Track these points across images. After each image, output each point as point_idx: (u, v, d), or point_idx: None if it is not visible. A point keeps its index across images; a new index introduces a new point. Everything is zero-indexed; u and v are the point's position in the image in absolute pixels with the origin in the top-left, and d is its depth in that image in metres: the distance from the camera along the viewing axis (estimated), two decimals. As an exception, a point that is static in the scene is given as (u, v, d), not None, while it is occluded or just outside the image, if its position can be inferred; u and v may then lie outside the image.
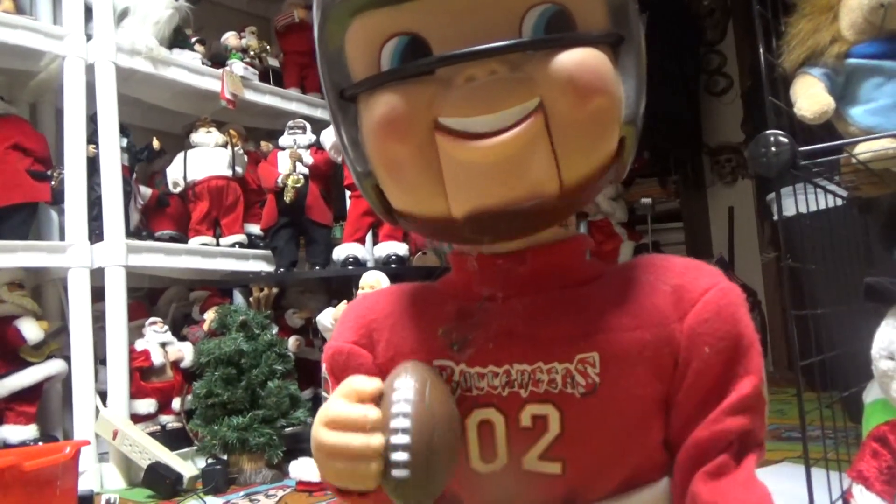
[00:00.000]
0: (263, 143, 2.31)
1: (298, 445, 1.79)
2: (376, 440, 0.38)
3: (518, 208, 0.40)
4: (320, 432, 0.40)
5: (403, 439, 0.37)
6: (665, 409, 0.43)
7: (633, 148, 0.44)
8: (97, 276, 1.81)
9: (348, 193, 2.17)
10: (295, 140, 2.17)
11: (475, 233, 0.41)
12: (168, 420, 1.92)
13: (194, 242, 2.12)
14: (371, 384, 0.40)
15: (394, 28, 0.41)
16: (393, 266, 2.00)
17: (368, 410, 0.39)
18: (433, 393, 0.39)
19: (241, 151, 2.25)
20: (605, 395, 0.41)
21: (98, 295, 1.82)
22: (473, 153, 0.39)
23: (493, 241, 0.42)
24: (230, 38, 2.32)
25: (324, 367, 0.49)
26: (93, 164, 1.87)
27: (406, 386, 0.39)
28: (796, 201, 1.08)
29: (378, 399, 0.40)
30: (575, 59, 0.39)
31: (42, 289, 1.94)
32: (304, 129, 2.21)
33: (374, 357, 0.47)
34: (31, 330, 1.74)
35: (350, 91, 0.43)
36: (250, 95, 2.25)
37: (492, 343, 0.43)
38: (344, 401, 0.40)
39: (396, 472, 0.38)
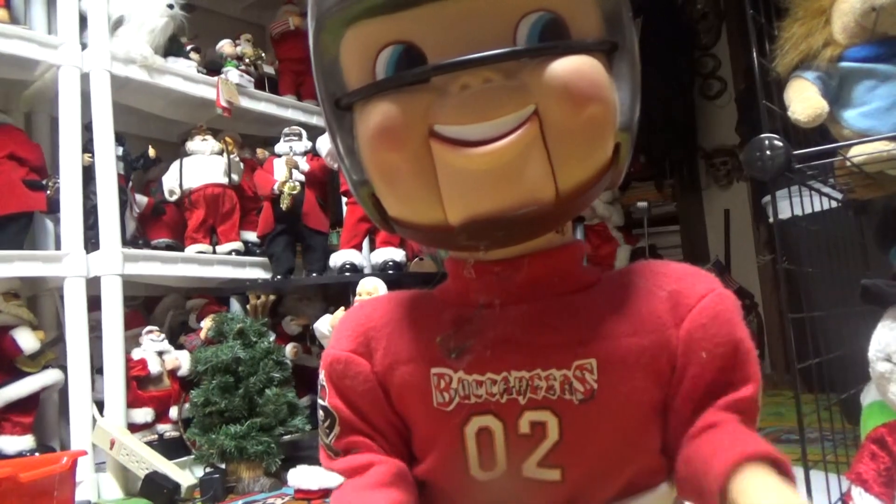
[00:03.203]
0: (259, 151, 2.31)
1: (297, 453, 1.78)
2: None
3: (514, 215, 0.40)
4: None
5: None
6: (663, 415, 0.43)
7: (628, 154, 0.44)
8: (93, 285, 1.81)
9: (344, 200, 2.17)
10: (291, 147, 2.17)
11: (471, 240, 0.41)
12: (165, 429, 1.92)
13: (191, 250, 2.11)
14: None
15: (388, 37, 0.41)
16: (390, 272, 2.00)
17: None
18: None
19: (237, 159, 2.24)
20: (603, 401, 0.41)
21: (94, 304, 1.81)
22: (469, 161, 0.39)
23: (490, 248, 0.42)
24: (225, 46, 2.32)
25: (321, 374, 0.49)
26: (88, 173, 1.86)
27: None
28: (791, 204, 1.08)
29: None
30: (569, 66, 0.39)
31: (38, 298, 1.93)
32: (300, 135, 2.21)
33: (371, 365, 0.47)
34: (27, 340, 1.73)
35: (345, 100, 0.43)
36: (246, 103, 2.25)
37: (490, 350, 0.43)
38: None
39: None
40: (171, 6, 2.02)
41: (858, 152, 0.99)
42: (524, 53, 0.39)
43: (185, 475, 1.68)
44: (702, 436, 0.42)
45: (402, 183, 0.41)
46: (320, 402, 0.49)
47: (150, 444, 1.79)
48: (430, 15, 0.39)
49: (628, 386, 0.42)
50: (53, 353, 1.82)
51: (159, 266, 1.97)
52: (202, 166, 2.14)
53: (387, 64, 0.41)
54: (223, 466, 1.72)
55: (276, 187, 2.05)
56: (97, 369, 1.82)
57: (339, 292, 2.21)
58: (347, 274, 1.99)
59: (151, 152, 2.11)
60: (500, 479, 0.43)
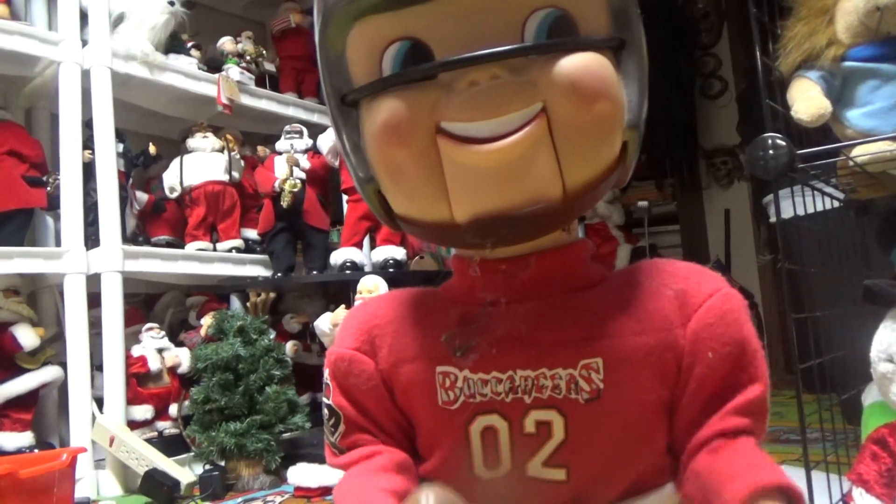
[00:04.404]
0: (260, 148, 2.30)
1: (296, 451, 1.78)
2: None
3: (521, 213, 0.40)
4: None
5: None
6: (669, 414, 0.43)
7: (635, 152, 0.44)
8: (93, 281, 1.80)
9: (345, 198, 2.17)
10: (292, 144, 2.17)
11: (478, 237, 0.41)
12: (165, 426, 1.91)
13: (191, 248, 2.11)
14: None
15: (395, 33, 0.41)
16: (390, 270, 2.00)
17: None
18: None
19: (238, 156, 2.24)
20: (609, 400, 0.41)
21: (94, 301, 1.81)
22: (476, 158, 0.38)
23: (496, 246, 0.42)
24: (226, 43, 2.31)
25: (326, 372, 0.49)
26: (89, 170, 1.86)
27: None
28: (794, 203, 1.08)
29: None
30: (577, 63, 0.38)
31: (38, 295, 1.93)
32: (300, 133, 2.21)
33: (376, 363, 0.47)
34: (27, 336, 1.72)
35: (352, 96, 0.43)
36: (247, 100, 2.25)
37: (495, 349, 0.42)
38: None
39: None
40: (171, 3, 2.02)
41: (861, 152, 0.99)
42: (532, 50, 0.39)
43: (185, 472, 1.67)
44: (714, 453, 0.41)
45: (408, 180, 0.41)
46: (325, 400, 0.49)
47: (149, 441, 1.79)
48: (437, 11, 0.39)
49: (634, 385, 0.41)
50: (53, 349, 1.82)
51: (159, 263, 1.97)
52: (203, 163, 2.14)
53: (393, 60, 0.41)
54: (223, 464, 1.72)
55: (276, 185, 2.05)
56: (97, 366, 1.82)
57: (339, 290, 2.21)
58: (348, 272, 1.99)
59: (152, 149, 2.10)
60: (505, 479, 0.43)
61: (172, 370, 1.96)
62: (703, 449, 0.42)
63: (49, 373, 1.76)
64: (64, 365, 1.77)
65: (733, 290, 0.44)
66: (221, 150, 2.17)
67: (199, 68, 2.15)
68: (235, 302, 2.19)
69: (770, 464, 0.40)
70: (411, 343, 0.46)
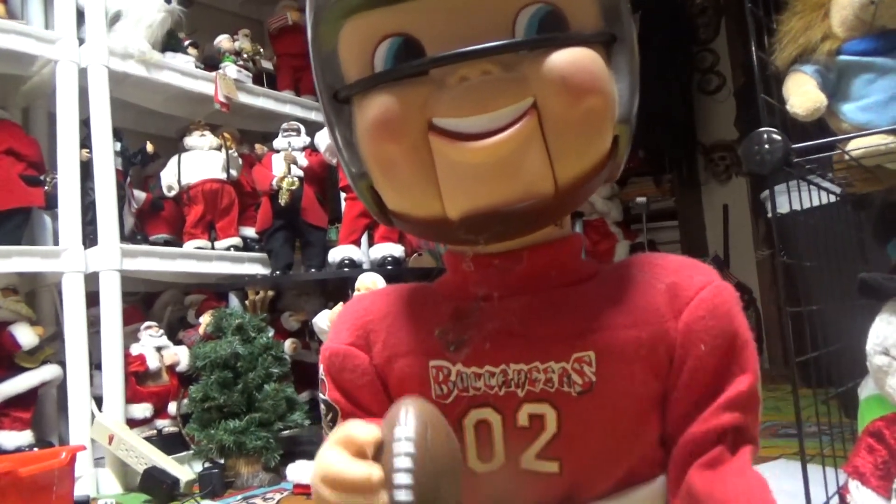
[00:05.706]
0: (258, 146, 2.30)
1: (295, 448, 1.78)
2: (380, 501, 0.35)
3: (512, 209, 0.40)
4: (321, 489, 0.37)
5: (407, 497, 0.35)
6: (661, 407, 0.43)
7: (626, 147, 0.44)
8: (92, 280, 1.81)
9: (343, 195, 2.17)
10: (289, 142, 2.17)
11: (470, 233, 0.41)
12: (164, 424, 1.92)
13: (189, 246, 2.11)
14: (370, 434, 0.36)
15: (387, 29, 0.41)
16: (389, 268, 2.00)
17: (371, 470, 0.35)
18: (434, 438, 0.36)
19: (236, 154, 2.24)
20: (601, 393, 0.41)
21: (93, 299, 1.81)
22: (467, 154, 0.39)
23: (488, 241, 0.42)
24: (223, 41, 2.31)
25: (321, 368, 0.49)
26: (86, 169, 1.86)
27: (406, 434, 0.36)
28: (790, 198, 1.08)
29: (378, 447, 0.37)
30: (568, 58, 0.39)
31: (36, 294, 1.93)
32: (298, 131, 2.21)
33: (370, 358, 0.47)
34: (26, 335, 1.73)
35: (344, 92, 0.43)
36: (244, 98, 2.25)
37: (488, 343, 0.43)
38: (343, 454, 0.36)
39: None
40: (168, 1, 2.01)
41: (857, 146, 0.99)
42: (523, 45, 0.39)
43: (184, 470, 1.68)
44: (710, 470, 0.41)
45: (400, 176, 0.41)
46: (321, 396, 0.49)
47: (148, 439, 1.79)
48: (428, 7, 0.39)
49: (627, 378, 0.42)
50: (52, 348, 1.82)
51: (158, 262, 1.97)
52: (200, 162, 2.13)
53: (385, 56, 0.41)
54: (222, 461, 1.73)
55: (274, 183, 2.05)
56: (96, 365, 1.82)
57: (337, 288, 2.21)
58: (346, 269, 1.99)
59: (149, 148, 2.10)
60: (499, 472, 0.43)
61: (171, 368, 1.96)
62: (698, 460, 0.42)
63: (48, 371, 1.76)
64: (63, 364, 1.77)
65: (725, 283, 0.44)
66: (219, 149, 2.17)
67: (197, 66, 2.15)
68: (234, 300, 2.19)
69: (762, 489, 0.40)
70: (405, 338, 0.46)
